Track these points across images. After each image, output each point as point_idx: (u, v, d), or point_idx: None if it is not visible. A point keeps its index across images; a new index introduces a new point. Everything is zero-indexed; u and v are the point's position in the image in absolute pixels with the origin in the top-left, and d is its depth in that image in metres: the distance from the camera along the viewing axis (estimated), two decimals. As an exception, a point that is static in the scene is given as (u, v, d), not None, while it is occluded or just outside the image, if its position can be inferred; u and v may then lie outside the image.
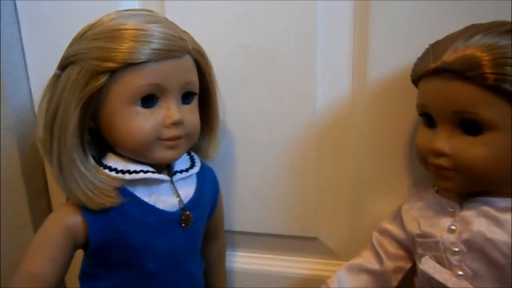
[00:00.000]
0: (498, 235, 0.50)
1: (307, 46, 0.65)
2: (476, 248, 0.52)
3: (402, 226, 0.61)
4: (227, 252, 0.77)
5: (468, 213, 0.53)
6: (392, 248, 0.63)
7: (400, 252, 0.62)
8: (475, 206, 0.53)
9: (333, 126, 0.68)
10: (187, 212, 0.58)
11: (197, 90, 0.58)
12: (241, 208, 0.75)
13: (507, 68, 0.46)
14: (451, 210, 0.55)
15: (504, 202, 0.52)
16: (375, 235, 0.64)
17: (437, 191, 0.59)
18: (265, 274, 0.78)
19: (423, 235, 0.56)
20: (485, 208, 0.52)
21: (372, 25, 0.62)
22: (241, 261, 0.79)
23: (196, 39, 0.58)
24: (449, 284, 0.53)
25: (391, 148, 0.66)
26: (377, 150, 0.67)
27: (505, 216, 0.51)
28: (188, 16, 0.67)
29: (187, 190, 0.59)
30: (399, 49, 0.61)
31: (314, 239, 0.74)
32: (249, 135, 0.71)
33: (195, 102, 0.58)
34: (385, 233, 0.64)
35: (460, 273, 0.53)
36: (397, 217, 0.63)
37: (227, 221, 0.75)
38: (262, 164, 0.72)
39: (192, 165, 0.61)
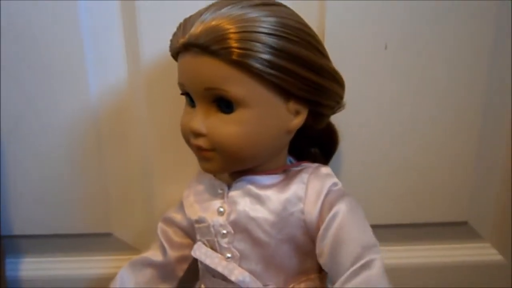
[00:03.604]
0: (259, 212, 0.50)
1: (70, 30, 0.59)
2: (241, 228, 0.50)
3: (184, 213, 0.58)
4: (10, 260, 0.69)
5: (235, 193, 0.51)
6: (177, 237, 0.60)
7: (185, 240, 0.60)
8: (241, 186, 0.51)
9: (112, 113, 0.64)
10: None
11: None
12: (21, 210, 0.67)
13: (253, 43, 0.44)
14: (220, 191, 0.53)
15: (267, 179, 0.52)
16: (160, 225, 0.61)
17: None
18: (58, 278, 0.71)
19: (199, 221, 0.54)
20: (249, 187, 0.51)
21: (138, 6, 0.59)
22: (29, 267, 0.71)
23: None
24: (219, 268, 0.52)
25: (174, 132, 0.62)
26: (160, 135, 0.64)
27: (266, 193, 0.50)
28: None
29: None
30: (169, 27, 0.56)
31: (108, 235, 0.69)
32: (18, 127, 0.63)
33: None
34: (169, 222, 0.61)
35: (229, 255, 0.51)
36: (182, 204, 0.60)
37: (5, 225, 0.67)
38: (37, 159, 0.65)
39: None
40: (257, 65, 0.44)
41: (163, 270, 0.59)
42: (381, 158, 0.65)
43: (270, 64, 0.45)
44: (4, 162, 0.64)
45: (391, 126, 0.63)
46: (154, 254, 0.60)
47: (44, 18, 0.58)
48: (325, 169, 0.52)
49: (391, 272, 0.67)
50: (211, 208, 0.53)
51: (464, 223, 0.69)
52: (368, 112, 0.62)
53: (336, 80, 0.50)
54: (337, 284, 0.46)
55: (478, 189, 0.67)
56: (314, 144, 0.59)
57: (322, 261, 0.48)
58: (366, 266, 0.45)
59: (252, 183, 0.51)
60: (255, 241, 0.50)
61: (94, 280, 0.70)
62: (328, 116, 0.53)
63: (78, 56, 0.60)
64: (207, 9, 0.47)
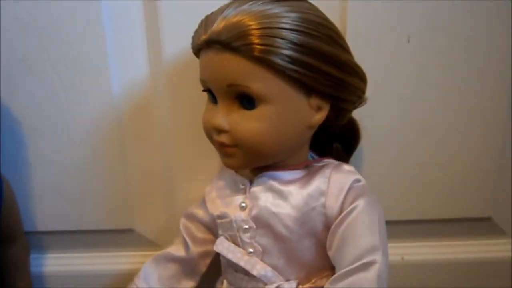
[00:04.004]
0: (281, 208, 0.50)
1: (93, 28, 0.60)
2: (263, 223, 0.51)
3: (207, 208, 0.58)
4: (34, 255, 0.69)
5: (257, 189, 0.52)
6: (200, 233, 0.60)
7: (208, 236, 0.60)
8: (263, 181, 0.52)
9: (134, 110, 0.64)
10: None
11: None
12: (45, 206, 0.68)
13: (274, 39, 0.44)
14: (242, 187, 0.53)
15: (289, 174, 0.52)
16: (182, 221, 0.61)
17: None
18: (81, 274, 0.72)
19: (221, 216, 0.54)
20: (271, 182, 0.51)
21: (160, 4, 0.59)
22: (52, 263, 0.72)
23: None
24: (241, 263, 0.52)
25: (195, 129, 0.62)
26: (182, 131, 0.64)
27: (288, 188, 0.50)
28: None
29: None
30: (190, 24, 0.57)
31: (130, 231, 0.70)
32: (40, 124, 0.64)
33: None
34: (192, 217, 0.61)
35: (251, 250, 0.52)
36: (204, 200, 0.60)
37: (29, 222, 0.68)
38: (61, 156, 0.65)
39: None
40: (279, 61, 0.44)
41: (186, 265, 0.60)
42: (403, 154, 0.64)
43: (291, 59, 0.45)
44: (28, 159, 0.65)
45: (413, 121, 0.63)
46: (177, 250, 0.60)
47: (68, 17, 0.59)
48: (347, 166, 0.52)
49: (414, 268, 0.67)
50: (233, 203, 0.53)
51: (488, 219, 0.68)
52: (390, 107, 0.62)
53: (358, 75, 0.50)
54: (329, 282, 0.46)
55: (502, 185, 0.66)
56: (336, 139, 0.58)
57: (330, 254, 0.49)
58: (363, 267, 0.45)
59: (274, 178, 0.51)
60: (277, 236, 0.50)
61: (116, 276, 0.71)
62: (350, 111, 0.53)
63: (101, 54, 0.61)
64: (228, 5, 0.47)
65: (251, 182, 0.53)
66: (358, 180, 0.50)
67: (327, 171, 0.50)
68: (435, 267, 0.70)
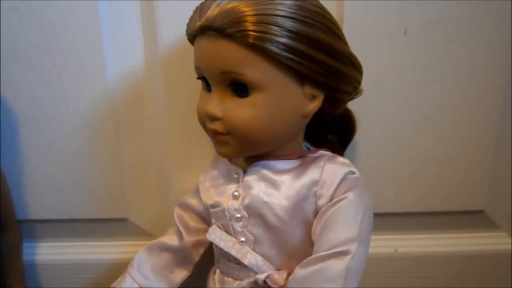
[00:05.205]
0: (273, 197, 0.50)
1: (88, 15, 0.59)
2: (255, 212, 0.50)
3: (200, 198, 0.58)
4: (27, 244, 0.69)
5: (250, 178, 0.51)
6: (193, 222, 0.60)
7: (201, 225, 0.60)
8: (256, 171, 0.51)
9: (129, 98, 0.64)
10: None
11: None
12: (38, 194, 0.68)
13: (269, 26, 0.44)
14: (235, 176, 0.53)
15: (282, 164, 0.52)
16: (176, 210, 0.61)
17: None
18: (74, 263, 0.72)
19: (214, 205, 0.54)
20: (264, 172, 0.51)
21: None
22: (46, 252, 0.72)
23: None
24: (232, 252, 0.52)
25: (190, 118, 0.62)
26: (177, 121, 0.64)
27: (281, 178, 0.50)
28: None
29: None
30: (187, 11, 0.56)
31: (124, 220, 0.70)
32: (35, 112, 0.64)
33: None
34: (186, 207, 0.61)
35: (243, 239, 0.51)
36: (198, 189, 0.60)
37: (22, 210, 0.68)
38: (55, 145, 0.65)
39: None
40: (274, 49, 0.44)
41: (179, 254, 0.60)
42: (398, 147, 0.64)
43: (286, 47, 0.44)
44: (22, 148, 0.65)
45: (409, 114, 0.63)
46: (170, 239, 0.60)
47: (63, 6, 0.59)
48: (342, 158, 0.52)
49: (407, 260, 0.67)
50: (226, 192, 0.53)
51: (481, 212, 0.68)
52: (386, 99, 0.62)
53: (354, 65, 0.50)
54: (299, 265, 0.46)
55: (496, 178, 0.66)
56: (332, 130, 0.58)
57: (314, 239, 0.49)
58: (335, 255, 0.45)
59: (268, 168, 0.51)
60: (268, 226, 0.50)
61: (109, 265, 0.71)
62: (345, 101, 0.53)
63: (96, 41, 0.60)
64: (224, -10, 0.47)
65: (245, 171, 0.53)
66: (352, 172, 0.50)
67: (321, 162, 0.50)
68: (428, 260, 0.70)
